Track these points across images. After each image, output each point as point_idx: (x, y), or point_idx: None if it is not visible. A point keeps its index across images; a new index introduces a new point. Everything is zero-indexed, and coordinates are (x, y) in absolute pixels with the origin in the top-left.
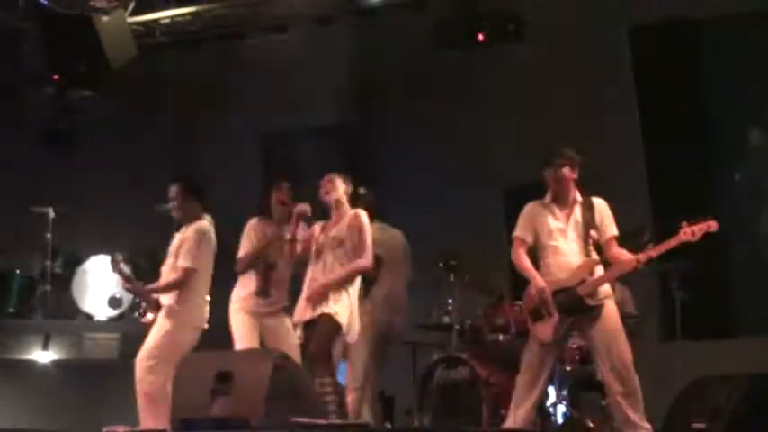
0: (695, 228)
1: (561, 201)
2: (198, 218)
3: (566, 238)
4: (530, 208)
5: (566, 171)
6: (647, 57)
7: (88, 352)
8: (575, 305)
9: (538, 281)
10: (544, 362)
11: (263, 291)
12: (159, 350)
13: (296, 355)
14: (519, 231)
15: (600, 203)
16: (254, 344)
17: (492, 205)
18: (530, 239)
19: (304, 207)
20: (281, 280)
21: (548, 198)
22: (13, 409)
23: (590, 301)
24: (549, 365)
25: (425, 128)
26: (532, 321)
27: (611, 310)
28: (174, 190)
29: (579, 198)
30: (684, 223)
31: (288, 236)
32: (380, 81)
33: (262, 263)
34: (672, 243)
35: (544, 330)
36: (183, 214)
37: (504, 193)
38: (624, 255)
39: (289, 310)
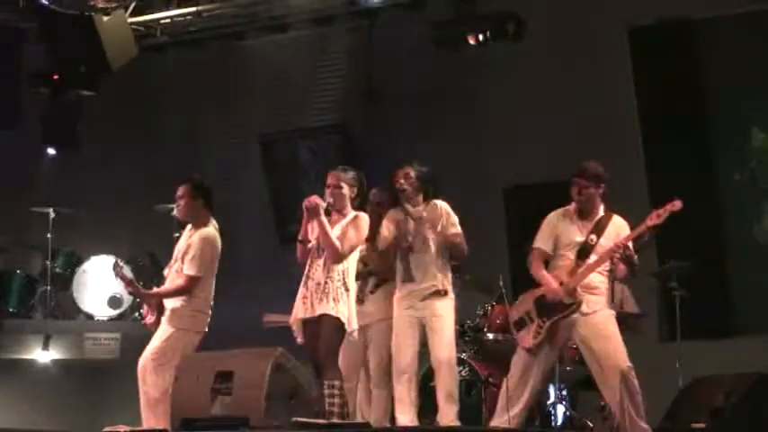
0: (660, 211)
1: (584, 214)
2: (205, 222)
3: (576, 249)
4: (553, 217)
5: (591, 191)
6: (646, 57)
7: (88, 352)
8: (553, 307)
9: (549, 283)
10: (531, 367)
11: (407, 276)
12: (162, 353)
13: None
14: (540, 242)
15: (620, 223)
16: (409, 336)
17: (492, 205)
18: (550, 250)
19: (313, 203)
20: (422, 262)
21: (572, 208)
22: (13, 409)
23: (566, 300)
24: (539, 371)
25: (425, 128)
26: (516, 331)
27: (606, 319)
28: (182, 189)
29: (602, 213)
30: (653, 210)
31: (300, 236)
32: (380, 81)
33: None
34: (641, 229)
35: (525, 337)
36: (189, 215)
37: (504, 193)
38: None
39: (441, 293)
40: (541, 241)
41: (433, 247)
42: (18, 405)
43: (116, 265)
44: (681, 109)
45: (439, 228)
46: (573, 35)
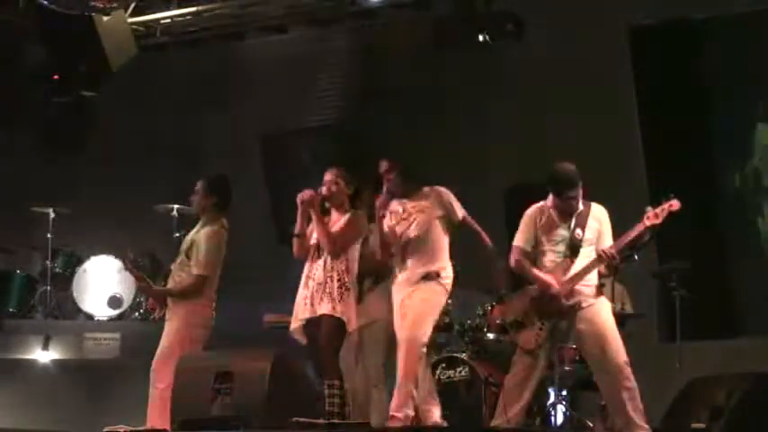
0: (657, 210)
1: (567, 213)
2: (213, 220)
3: (563, 245)
4: (531, 214)
5: (574, 202)
6: (647, 57)
7: (88, 352)
8: (552, 307)
9: (547, 282)
10: (532, 368)
11: (399, 263)
12: (171, 350)
13: None
14: (520, 240)
15: (600, 212)
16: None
17: (492, 205)
18: (530, 248)
19: (307, 195)
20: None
21: (549, 203)
22: (13, 409)
23: (566, 301)
24: (539, 371)
25: (425, 128)
26: (514, 332)
27: (601, 311)
28: (199, 184)
29: (581, 207)
30: (648, 208)
31: (296, 231)
32: (380, 81)
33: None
34: (638, 229)
35: (526, 338)
36: (201, 210)
37: (504, 193)
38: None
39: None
40: (522, 239)
41: (418, 232)
42: (18, 405)
43: (125, 257)
44: (681, 109)
45: (426, 211)
46: (573, 35)
